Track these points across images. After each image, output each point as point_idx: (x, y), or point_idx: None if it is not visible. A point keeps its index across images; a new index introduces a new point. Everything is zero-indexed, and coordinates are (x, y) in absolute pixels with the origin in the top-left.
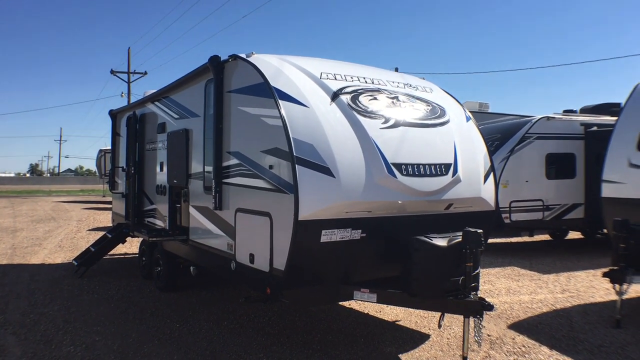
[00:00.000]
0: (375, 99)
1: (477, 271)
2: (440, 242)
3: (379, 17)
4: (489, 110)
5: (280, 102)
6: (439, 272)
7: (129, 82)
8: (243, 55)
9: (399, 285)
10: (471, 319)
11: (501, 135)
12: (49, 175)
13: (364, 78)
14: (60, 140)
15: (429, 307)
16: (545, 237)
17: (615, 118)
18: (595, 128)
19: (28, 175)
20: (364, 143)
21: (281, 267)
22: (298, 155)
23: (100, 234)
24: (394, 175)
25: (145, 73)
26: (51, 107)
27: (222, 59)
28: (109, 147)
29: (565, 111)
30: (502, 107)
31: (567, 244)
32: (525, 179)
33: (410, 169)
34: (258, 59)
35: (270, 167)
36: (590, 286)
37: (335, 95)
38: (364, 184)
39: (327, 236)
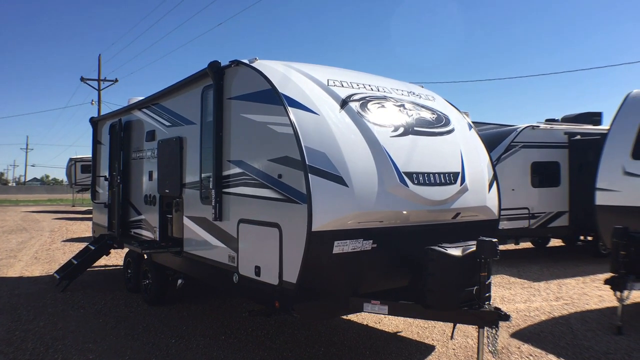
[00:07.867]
0: (383, 106)
1: (489, 280)
2: (455, 252)
3: (331, 26)
4: (469, 119)
5: (290, 109)
6: (454, 283)
7: (99, 90)
8: (246, 61)
9: (408, 296)
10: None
11: (487, 144)
12: (14, 184)
13: (370, 85)
14: (26, 149)
15: (443, 318)
16: (527, 244)
17: (597, 127)
18: (578, 137)
19: None
20: (376, 151)
21: (292, 280)
22: (311, 164)
23: (76, 244)
24: (406, 184)
25: (116, 80)
26: (18, 115)
27: (222, 65)
28: (80, 156)
29: (547, 120)
30: (479, 116)
31: (548, 251)
32: (512, 187)
33: (421, 178)
34: (263, 65)
35: (280, 176)
36: (582, 293)
37: (344, 103)
38: (377, 193)
39: (339, 247)
